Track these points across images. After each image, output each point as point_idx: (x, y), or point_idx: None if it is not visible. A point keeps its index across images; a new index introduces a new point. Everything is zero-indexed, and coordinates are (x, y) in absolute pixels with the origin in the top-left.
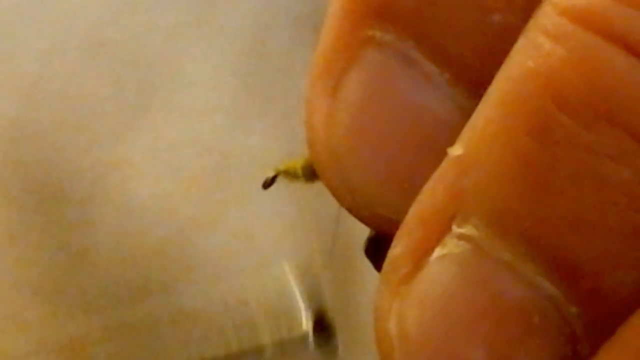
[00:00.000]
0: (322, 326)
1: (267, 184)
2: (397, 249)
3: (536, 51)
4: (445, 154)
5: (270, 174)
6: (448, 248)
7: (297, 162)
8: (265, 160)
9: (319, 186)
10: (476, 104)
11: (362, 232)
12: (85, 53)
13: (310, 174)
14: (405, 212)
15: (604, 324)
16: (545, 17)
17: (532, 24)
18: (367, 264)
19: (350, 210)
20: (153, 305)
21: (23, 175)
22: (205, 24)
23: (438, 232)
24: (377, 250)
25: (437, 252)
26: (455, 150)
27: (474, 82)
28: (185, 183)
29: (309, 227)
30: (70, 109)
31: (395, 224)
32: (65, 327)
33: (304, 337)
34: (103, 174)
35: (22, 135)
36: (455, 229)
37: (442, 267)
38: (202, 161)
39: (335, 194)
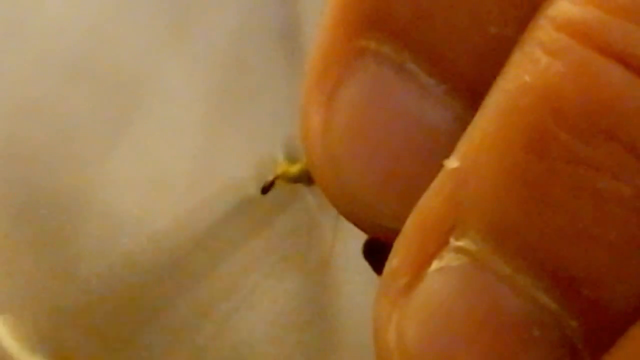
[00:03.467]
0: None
1: (266, 188)
2: (395, 260)
3: (533, 66)
4: (443, 164)
5: (270, 178)
6: (446, 261)
7: (296, 166)
8: (250, 172)
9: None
10: (473, 115)
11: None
12: (68, 73)
13: (309, 178)
14: (403, 220)
15: (604, 336)
16: (542, 31)
17: (528, 38)
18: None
19: (347, 218)
20: (142, 320)
21: (10, 193)
22: (183, 40)
23: (436, 244)
24: (376, 253)
25: (435, 264)
26: (452, 163)
27: (470, 93)
28: (169, 197)
29: (290, 236)
30: (55, 128)
31: (393, 232)
32: (52, 343)
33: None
34: (89, 190)
35: (8, 154)
36: (453, 242)
37: (440, 280)
38: (185, 175)
39: (331, 201)
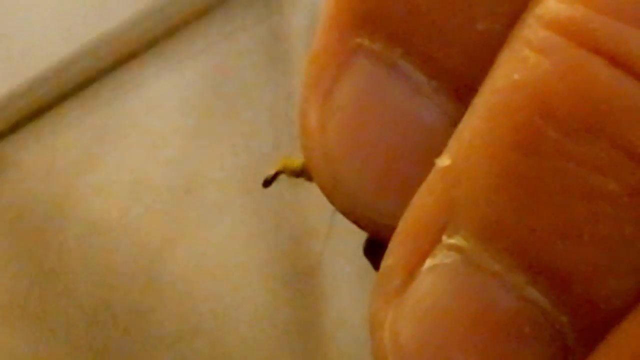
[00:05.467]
0: None
1: (268, 182)
2: (389, 260)
3: (521, 64)
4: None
5: (272, 171)
6: (439, 259)
7: (298, 160)
8: (231, 178)
9: (284, 202)
10: (464, 112)
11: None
12: (47, 82)
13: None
14: (400, 217)
15: (595, 332)
16: (530, 30)
17: (517, 36)
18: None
19: (345, 216)
20: (123, 326)
21: None
22: (168, 46)
23: (429, 243)
24: (376, 251)
25: (428, 263)
26: (443, 161)
27: (461, 90)
28: (151, 204)
29: (275, 242)
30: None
31: (390, 229)
32: (33, 350)
33: None
34: (70, 196)
35: None
36: (446, 240)
37: (433, 278)
38: (168, 181)
39: (329, 199)
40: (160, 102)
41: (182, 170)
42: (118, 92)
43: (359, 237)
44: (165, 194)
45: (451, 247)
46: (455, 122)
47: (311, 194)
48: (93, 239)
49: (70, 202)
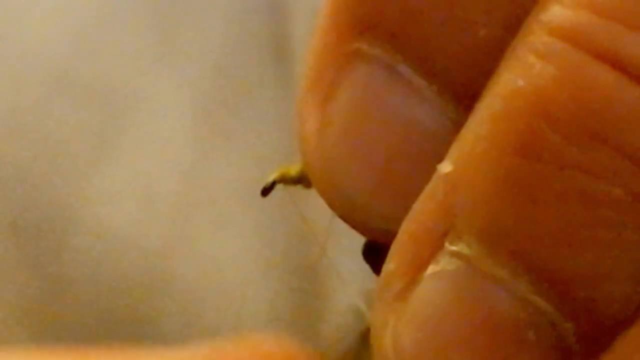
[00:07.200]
0: None
1: (266, 190)
2: (391, 265)
3: (526, 70)
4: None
5: (269, 180)
6: (441, 265)
7: (296, 167)
8: (238, 183)
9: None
10: (465, 116)
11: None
12: (52, 86)
13: (309, 179)
14: (399, 222)
15: (599, 338)
16: (535, 36)
17: (520, 42)
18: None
19: (344, 220)
20: (128, 332)
21: None
22: (168, 50)
23: (431, 249)
24: (375, 254)
25: (431, 269)
26: (445, 167)
27: (461, 95)
28: (158, 210)
29: (276, 242)
30: (40, 142)
31: (390, 234)
32: None
33: None
34: (76, 203)
35: None
36: (448, 247)
37: (435, 284)
38: (174, 187)
39: (328, 203)
40: (166, 108)
41: (187, 176)
42: (125, 99)
43: (360, 237)
44: (171, 199)
45: (454, 254)
46: (457, 127)
47: (312, 193)
48: (99, 245)
49: (76, 211)
